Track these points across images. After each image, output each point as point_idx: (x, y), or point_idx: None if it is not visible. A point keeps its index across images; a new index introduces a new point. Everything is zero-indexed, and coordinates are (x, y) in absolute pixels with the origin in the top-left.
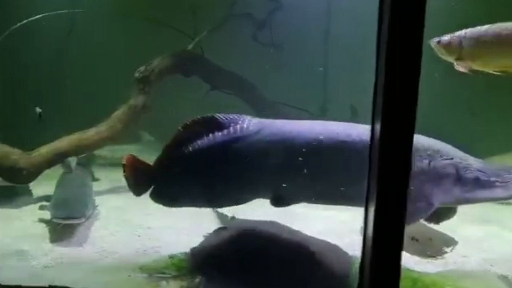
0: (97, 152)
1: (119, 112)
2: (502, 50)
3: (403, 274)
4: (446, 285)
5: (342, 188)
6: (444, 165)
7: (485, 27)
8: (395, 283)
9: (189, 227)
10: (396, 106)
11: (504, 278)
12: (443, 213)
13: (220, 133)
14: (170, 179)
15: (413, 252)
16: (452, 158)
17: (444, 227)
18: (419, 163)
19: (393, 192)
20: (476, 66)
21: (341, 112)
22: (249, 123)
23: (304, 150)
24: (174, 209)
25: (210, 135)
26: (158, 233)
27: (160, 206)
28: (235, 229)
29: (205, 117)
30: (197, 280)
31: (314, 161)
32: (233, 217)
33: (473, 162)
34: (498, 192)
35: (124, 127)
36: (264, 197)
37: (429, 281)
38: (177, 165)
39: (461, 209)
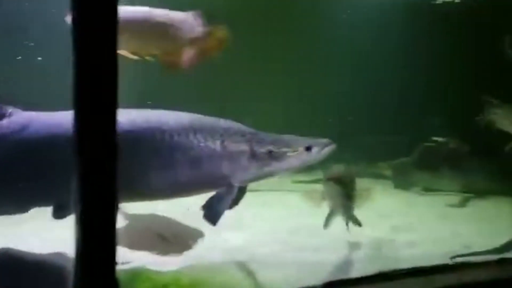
0: None
1: None
2: (126, 33)
3: (142, 275)
4: (185, 280)
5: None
6: (238, 143)
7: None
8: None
9: None
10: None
11: (242, 265)
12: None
13: None
14: None
15: (160, 251)
16: (244, 135)
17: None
18: (212, 146)
19: (98, 188)
20: None
21: None
22: (12, 117)
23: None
24: None
25: None
26: None
27: None
28: None
29: None
30: None
31: None
32: None
33: (264, 136)
34: (292, 162)
35: None
36: (45, 205)
37: (170, 279)
38: None
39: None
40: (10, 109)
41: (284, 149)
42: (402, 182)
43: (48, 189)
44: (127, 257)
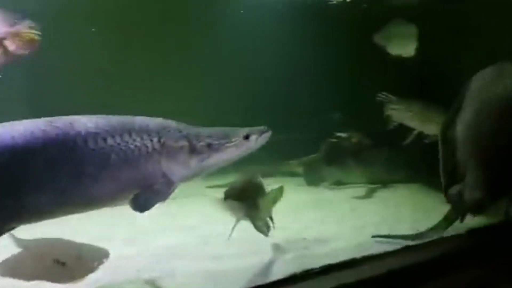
0: None
1: None
2: None
3: None
4: None
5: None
6: (176, 140)
7: None
8: None
9: None
10: None
11: (151, 282)
12: None
13: None
14: None
15: (58, 279)
16: (181, 131)
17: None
18: (150, 144)
19: None
20: None
21: None
22: None
23: None
24: None
25: None
26: None
27: None
28: None
29: None
30: None
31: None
32: None
33: (200, 130)
34: (231, 152)
35: None
36: None
37: None
38: None
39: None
40: None
41: (223, 140)
42: (313, 178)
43: None
44: None
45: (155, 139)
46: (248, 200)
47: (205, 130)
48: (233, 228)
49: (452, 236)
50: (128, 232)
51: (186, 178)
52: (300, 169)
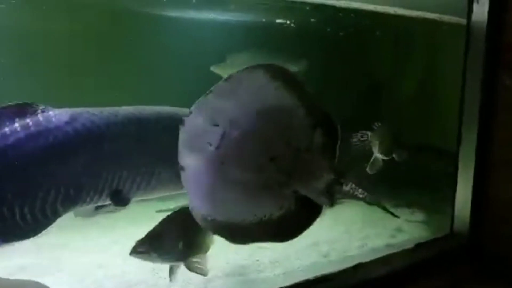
0: None
1: None
2: None
3: None
4: None
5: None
6: None
7: None
8: None
9: None
10: None
11: None
12: None
13: (14, 128)
14: None
15: None
16: None
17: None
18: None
19: None
20: None
21: None
22: (53, 113)
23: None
24: None
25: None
26: None
27: None
28: None
29: None
30: None
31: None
32: None
33: None
34: None
35: None
36: (97, 200)
37: None
38: None
39: None
40: (41, 107)
41: None
42: None
43: (101, 181)
44: None
45: None
46: (174, 250)
47: None
48: (170, 274)
49: (403, 251)
50: (76, 263)
51: None
52: None
